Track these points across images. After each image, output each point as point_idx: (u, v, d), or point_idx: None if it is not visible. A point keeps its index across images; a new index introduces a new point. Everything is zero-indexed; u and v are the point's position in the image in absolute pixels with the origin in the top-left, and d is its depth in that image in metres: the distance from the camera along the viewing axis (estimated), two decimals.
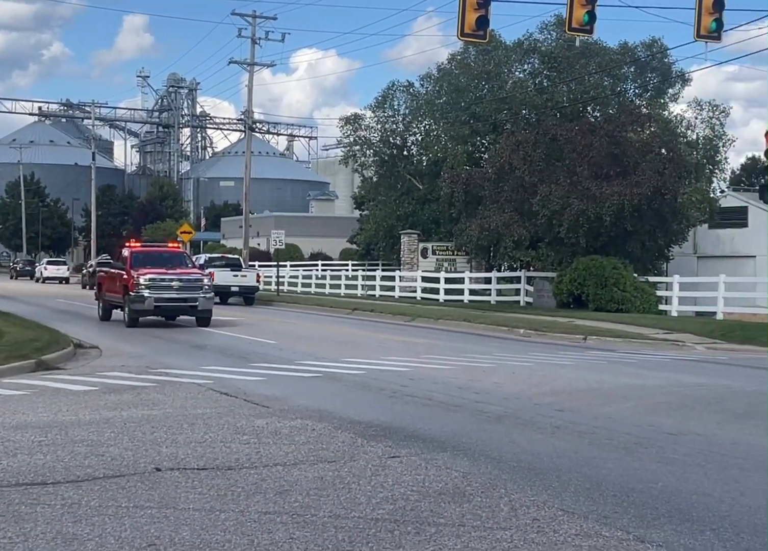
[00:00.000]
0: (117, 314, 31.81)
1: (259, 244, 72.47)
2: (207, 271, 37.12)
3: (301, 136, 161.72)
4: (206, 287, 30.38)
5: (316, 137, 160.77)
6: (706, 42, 24.55)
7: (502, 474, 9.42)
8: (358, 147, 59.26)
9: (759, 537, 7.38)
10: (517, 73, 52.14)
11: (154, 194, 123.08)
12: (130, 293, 29.50)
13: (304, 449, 10.56)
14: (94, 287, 38.92)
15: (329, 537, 7.27)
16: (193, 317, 31.06)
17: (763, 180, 31.72)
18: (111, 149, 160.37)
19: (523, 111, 48.73)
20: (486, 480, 9.16)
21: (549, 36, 50.61)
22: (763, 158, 31.21)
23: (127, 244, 33.96)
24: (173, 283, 29.92)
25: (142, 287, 29.37)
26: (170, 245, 36.16)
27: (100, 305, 33.49)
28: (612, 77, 49.19)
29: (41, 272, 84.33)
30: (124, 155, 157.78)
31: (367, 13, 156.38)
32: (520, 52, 51.14)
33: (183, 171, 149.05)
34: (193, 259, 40.03)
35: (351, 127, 58.28)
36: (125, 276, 30.44)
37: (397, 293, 53.34)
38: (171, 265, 31.41)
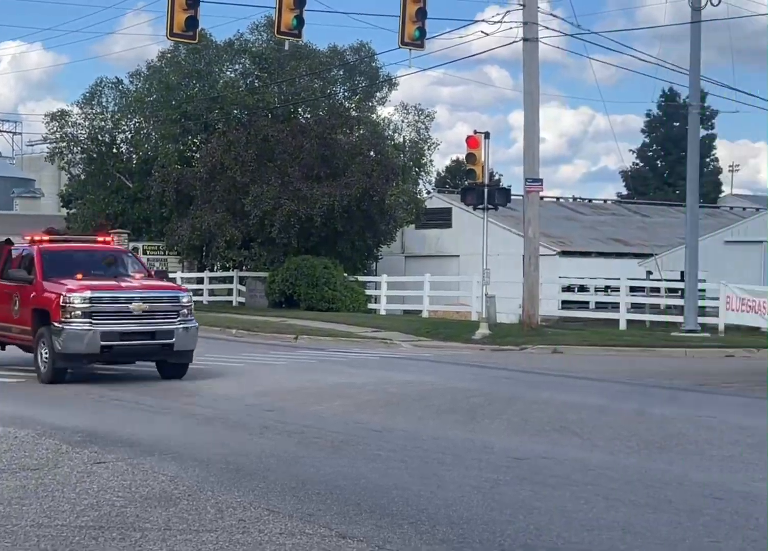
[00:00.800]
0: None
1: None
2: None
3: (4, 131, 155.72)
4: (185, 310, 18.09)
5: (20, 133, 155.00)
6: (410, 49, 25.35)
7: (210, 477, 9.46)
8: (64, 144, 57.50)
9: (454, 529, 7.73)
10: (228, 72, 51.94)
11: None
12: (54, 323, 17.03)
13: (5, 457, 10.26)
14: None
15: (31, 546, 7.12)
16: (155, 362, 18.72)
17: (465, 182, 33.03)
18: None
19: (235, 111, 48.65)
20: (193, 483, 9.18)
21: (260, 37, 50.64)
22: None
23: (25, 237, 20.26)
24: (132, 305, 17.46)
25: (78, 312, 16.97)
26: (99, 238, 20.85)
27: None
28: (322, 80, 49.74)
29: None
30: None
31: (74, 7, 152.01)
32: (231, 52, 50.99)
33: None
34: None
35: (57, 124, 56.39)
36: (35, 294, 17.94)
37: None
38: (113, 273, 19.13)
